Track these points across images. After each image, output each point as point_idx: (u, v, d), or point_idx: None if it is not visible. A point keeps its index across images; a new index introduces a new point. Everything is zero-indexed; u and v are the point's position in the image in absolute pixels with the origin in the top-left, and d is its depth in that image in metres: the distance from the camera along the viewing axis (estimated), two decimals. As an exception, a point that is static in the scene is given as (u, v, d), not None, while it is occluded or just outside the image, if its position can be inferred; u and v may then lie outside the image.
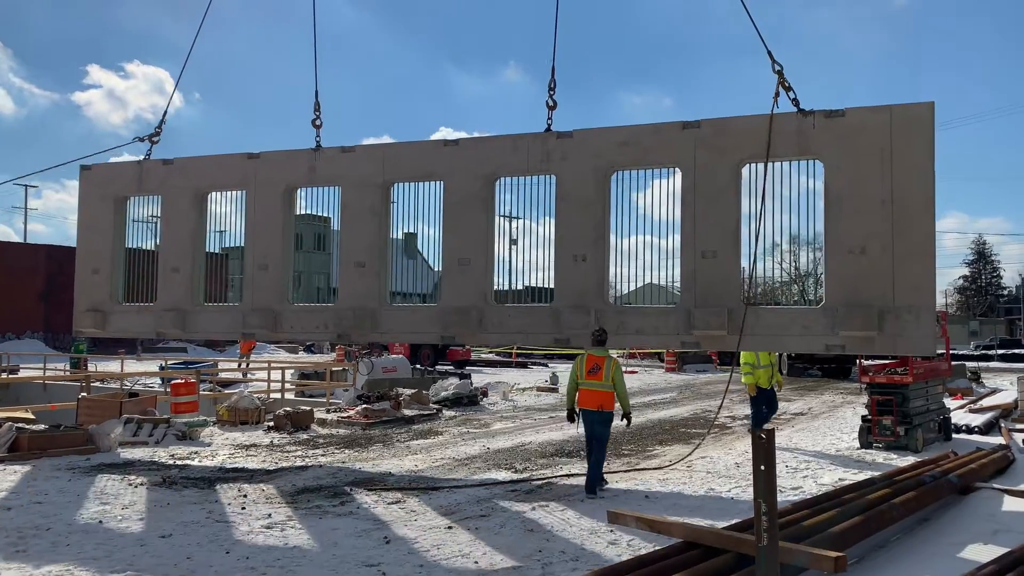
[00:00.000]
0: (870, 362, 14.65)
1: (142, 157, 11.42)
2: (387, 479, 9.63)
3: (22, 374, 28.83)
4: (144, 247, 11.72)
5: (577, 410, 8.98)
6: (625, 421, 9.04)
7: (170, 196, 11.14)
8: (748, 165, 8.44)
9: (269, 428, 13.50)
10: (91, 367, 29.81)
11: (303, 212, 11.09)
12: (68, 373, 27.97)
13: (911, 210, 7.77)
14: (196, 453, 11.37)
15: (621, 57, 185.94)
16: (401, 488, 9.03)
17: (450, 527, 7.30)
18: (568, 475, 9.84)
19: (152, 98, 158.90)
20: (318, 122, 10.43)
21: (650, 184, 8.91)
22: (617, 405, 8.90)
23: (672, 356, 34.69)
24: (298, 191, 10.65)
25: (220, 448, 11.90)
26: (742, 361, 12.58)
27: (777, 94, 8.22)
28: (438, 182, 9.79)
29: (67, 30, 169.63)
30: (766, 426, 8.57)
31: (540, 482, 9.50)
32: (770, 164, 8.20)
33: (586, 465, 8.96)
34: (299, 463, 10.67)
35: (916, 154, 7.80)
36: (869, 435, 11.89)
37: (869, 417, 11.97)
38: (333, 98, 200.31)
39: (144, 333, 11.43)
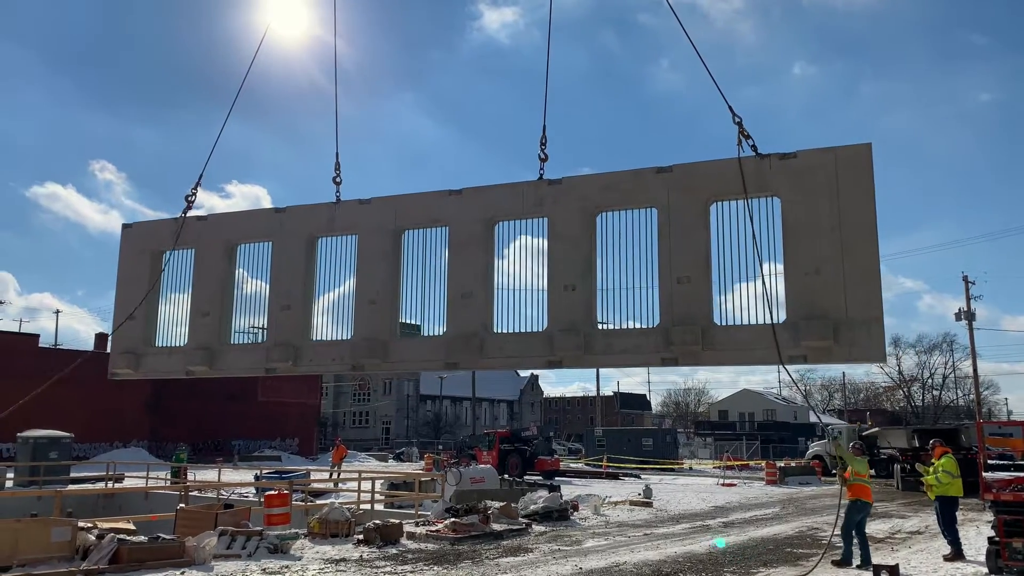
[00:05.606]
0: (990, 475, 13.56)
1: (179, 215, 12.43)
2: (476, 600, 9.32)
3: (126, 483, 29.83)
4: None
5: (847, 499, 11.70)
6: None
7: (203, 248, 12.33)
8: (715, 203, 9.58)
9: (359, 541, 13.40)
10: (190, 475, 30.61)
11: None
12: (169, 482, 28.78)
13: (857, 236, 8.73)
14: (287, 568, 11.33)
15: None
16: (491, 610, 8.71)
17: (542, 655, 6.94)
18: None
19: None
20: (338, 179, 11.83)
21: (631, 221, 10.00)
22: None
23: (773, 468, 33.05)
24: (319, 239, 11.82)
25: (310, 563, 11.82)
26: (942, 469, 12.30)
27: (740, 142, 9.35)
28: (444, 227, 10.89)
29: (174, 154, 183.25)
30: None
31: (636, 607, 9.00)
32: (735, 201, 9.27)
33: None
34: (387, 581, 10.48)
35: (859, 187, 8.80)
36: (998, 559, 10.86)
37: (997, 539, 10.97)
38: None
39: (174, 373, 12.24)
